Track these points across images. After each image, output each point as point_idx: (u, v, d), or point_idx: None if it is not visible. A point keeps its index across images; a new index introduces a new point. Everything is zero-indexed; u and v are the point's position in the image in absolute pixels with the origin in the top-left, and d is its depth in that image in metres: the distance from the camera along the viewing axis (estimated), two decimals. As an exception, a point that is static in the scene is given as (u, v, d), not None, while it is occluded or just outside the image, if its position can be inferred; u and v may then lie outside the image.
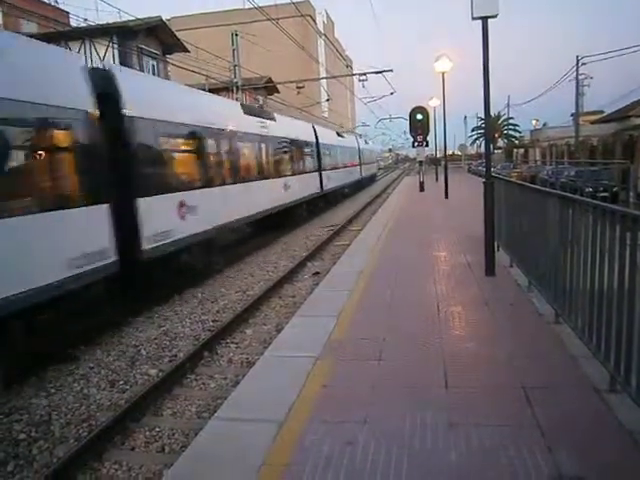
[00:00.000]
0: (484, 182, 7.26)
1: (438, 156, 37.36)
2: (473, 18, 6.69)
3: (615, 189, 20.28)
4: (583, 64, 33.16)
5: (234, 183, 11.75)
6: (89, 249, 6.51)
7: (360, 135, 51.79)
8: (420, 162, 27.52)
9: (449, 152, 45.93)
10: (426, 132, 23.59)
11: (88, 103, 6.80)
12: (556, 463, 2.82)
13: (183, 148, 9.88)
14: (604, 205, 3.74)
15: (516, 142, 64.05)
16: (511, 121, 65.21)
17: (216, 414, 3.80)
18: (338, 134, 29.40)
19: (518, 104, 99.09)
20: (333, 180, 24.00)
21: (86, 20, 22.30)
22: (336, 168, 25.66)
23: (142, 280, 8.00)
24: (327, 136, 24.71)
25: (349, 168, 29.98)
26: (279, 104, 29.05)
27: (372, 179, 44.57)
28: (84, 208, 6.55)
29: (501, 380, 3.89)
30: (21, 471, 4.25)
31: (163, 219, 8.35)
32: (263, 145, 14.59)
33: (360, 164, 34.56)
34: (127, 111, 7.66)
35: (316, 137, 21.57)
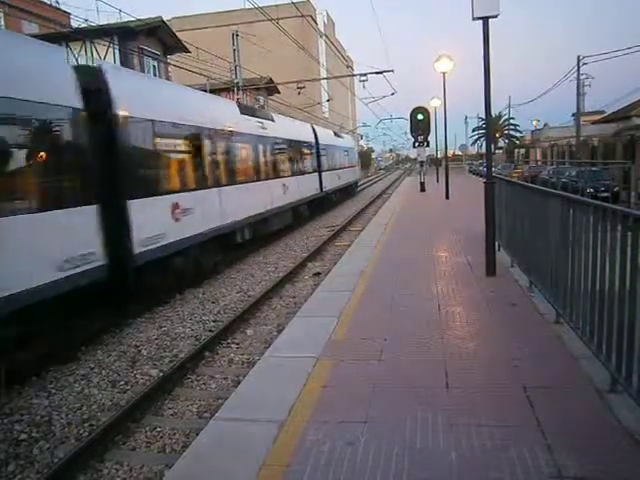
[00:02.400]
0: (485, 182, 7.26)
1: (439, 156, 37.35)
2: (474, 18, 6.68)
3: (616, 189, 20.24)
4: (584, 64, 33.14)
5: None
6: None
7: (357, 134, 44.11)
8: (421, 162, 27.51)
9: (450, 152, 45.65)
10: (427, 132, 23.61)
11: None
12: (557, 463, 2.81)
13: None
14: (605, 205, 3.73)
15: (517, 142, 64.06)
16: (512, 121, 65.33)
17: (217, 414, 3.80)
18: (251, 112, 14.47)
19: (519, 104, 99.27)
20: (198, 219, 9.71)
21: (87, 21, 22.30)
22: (229, 183, 11.50)
23: None
24: (180, 109, 9.86)
25: (285, 181, 16.20)
26: (280, 105, 29.05)
27: (348, 191, 30.24)
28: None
29: (502, 380, 3.88)
30: (22, 471, 4.25)
31: None
32: None
33: (319, 171, 21.52)
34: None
35: (109, 106, 7.55)
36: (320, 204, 21.67)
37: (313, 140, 21.43)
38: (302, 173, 18.81)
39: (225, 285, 10.17)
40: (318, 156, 21.77)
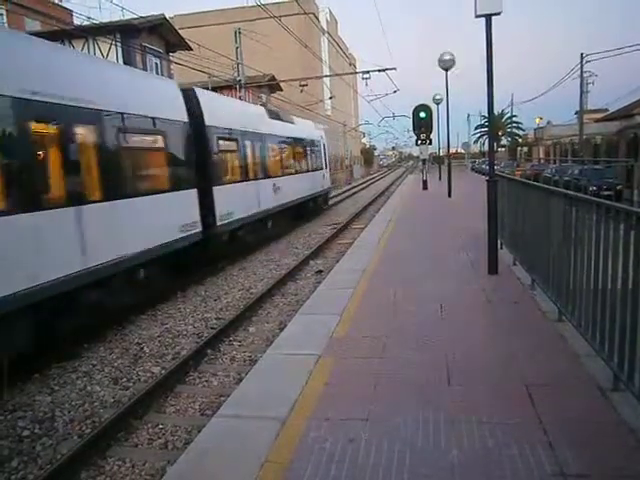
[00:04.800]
0: (487, 180, 7.25)
1: (441, 154, 37.20)
2: (476, 16, 6.67)
3: (619, 187, 20.20)
4: (588, 61, 33.03)
5: None
6: None
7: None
8: (423, 160, 27.47)
9: (452, 150, 45.36)
10: (429, 130, 23.55)
11: None
12: (558, 461, 2.81)
13: None
14: (608, 203, 3.73)
15: (520, 140, 63.90)
16: (515, 119, 65.11)
17: (219, 411, 3.81)
18: None
19: (522, 102, 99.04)
20: None
21: (89, 18, 22.32)
22: None
23: None
24: None
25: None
26: (282, 102, 29.05)
27: (307, 209, 19.14)
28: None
29: (504, 378, 3.88)
30: (25, 467, 4.27)
31: None
32: None
33: (205, 185, 10.22)
34: None
35: None
36: (211, 253, 10.66)
37: (182, 118, 9.68)
38: (124, 195, 7.60)
39: (227, 282, 10.19)
40: (203, 154, 10.36)
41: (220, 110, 11.73)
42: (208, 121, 10.60)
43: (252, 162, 13.29)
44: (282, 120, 16.96)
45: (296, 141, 18.07)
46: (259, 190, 13.47)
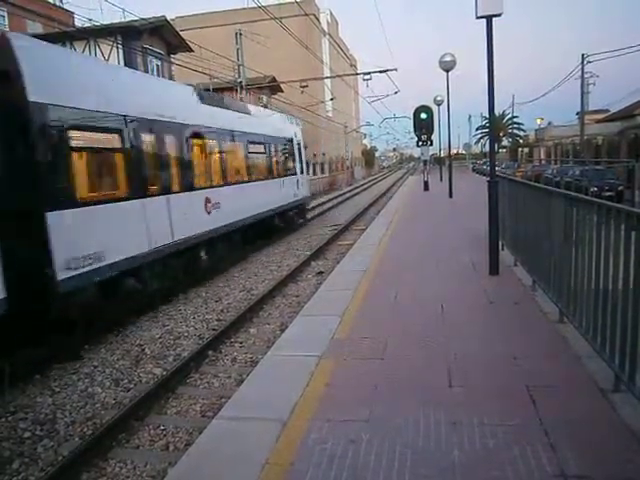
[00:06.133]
0: (488, 181, 7.24)
1: (442, 155, 37.16)
2: (477, 17, 6.68)
3: (620, 188, 20.20)
4: (589, 62, 33.01)
5: None
6: None
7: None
8: (425, 161, 27.48)
9: (454, 151, 45.28)
10: (430, 131, 23.55)
11: None
12: (559, 462, 2.80)
13: None
14: (609, 204, 3.72)
15: (521, 141, 63.86)
16: (516, 120, 65.03)
17: (220, 413, 3.81)
18: None
19: (523, 102, 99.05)
20: None
21: (91, 20, 22.37)
22: None
23: None
24: None
25: None
26: (283, 103, 29.08)
27: (264, 230, 14.19)
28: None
29: (505, 379, 3.87)
30: (26, 469, 4.28)
31: None
32: None
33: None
34: None
35: None
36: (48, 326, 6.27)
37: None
38: None
39: (228, 284, 10.20)
40: (23, 155, 5.92)
41: (75, 77, 7.00)
42: (37, 95, 5.98)
43: (157, 167, 8.60)
44: (226, 108, 12.21)
45: (252, 138, 13.43)
46: (172, 209, 8.71)
